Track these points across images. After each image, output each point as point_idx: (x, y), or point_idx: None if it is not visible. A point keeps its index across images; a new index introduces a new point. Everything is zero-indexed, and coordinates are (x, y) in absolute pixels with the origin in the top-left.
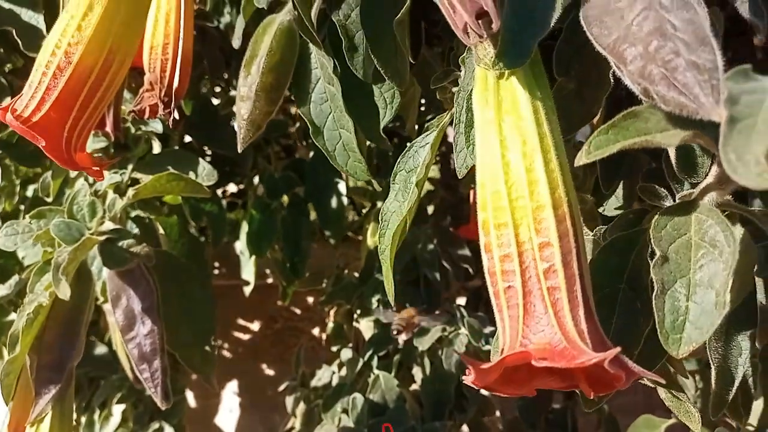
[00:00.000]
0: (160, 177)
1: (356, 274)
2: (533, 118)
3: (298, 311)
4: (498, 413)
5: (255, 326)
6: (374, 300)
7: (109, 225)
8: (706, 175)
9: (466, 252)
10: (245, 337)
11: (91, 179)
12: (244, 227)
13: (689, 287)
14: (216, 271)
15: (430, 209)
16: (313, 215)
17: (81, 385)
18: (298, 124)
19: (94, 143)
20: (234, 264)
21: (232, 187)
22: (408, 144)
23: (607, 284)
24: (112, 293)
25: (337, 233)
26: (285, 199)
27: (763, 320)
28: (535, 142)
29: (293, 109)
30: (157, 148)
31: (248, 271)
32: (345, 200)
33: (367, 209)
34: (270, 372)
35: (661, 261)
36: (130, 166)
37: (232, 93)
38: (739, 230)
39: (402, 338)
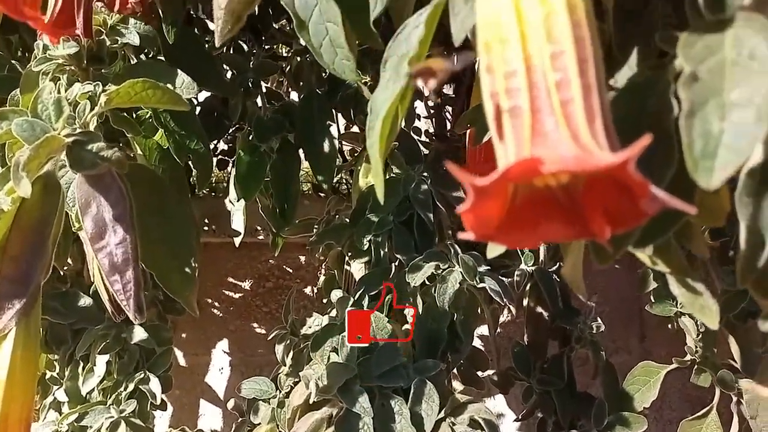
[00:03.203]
0: (135, 83)
1: (347, 220)
2: None
3: (290, 270)
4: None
5: (246, 285)
6: (365, 241)
7: (78, 130)
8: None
9: (461, 194)
10: (236, 295)
11: (63, 89)
12: (233, 172)
13: (723, 108)
14: (205, 228)
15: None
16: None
17: (65, 337)
18: (288, 67)
19: (65, 49)
20: (225, 221)
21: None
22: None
23: (621, 132)
24: (80, 200)
25: (329, 177)
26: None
27: None
28: None
29: (284, 50)
30: None
31: (238, 221)
32: (337, 143)
33: (359, 152)
34: (261, 330)
35: (690, 80)
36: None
37: None
38: None
39: (426, 86)
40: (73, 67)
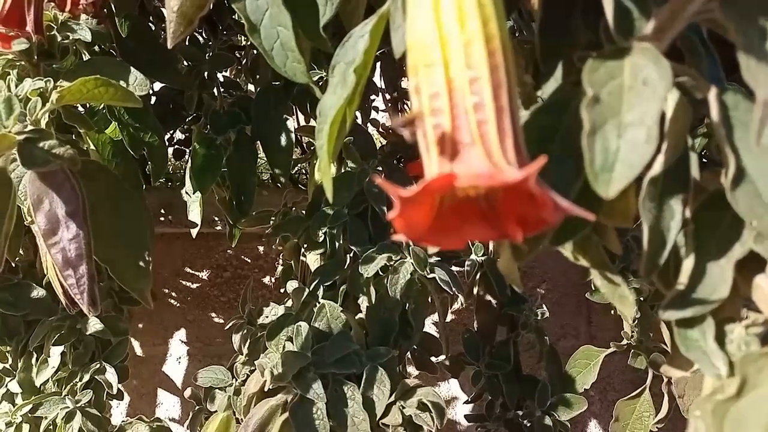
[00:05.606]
0: (87, 81)
1: (303, 212)
2: None
3: (248, 260)
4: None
5: (204, 275)
6: (321, 233)
7: (29, 127)
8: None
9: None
10: (193, 285)
11: (13, 85)
12: (189, 164)
13: (620, 127)
14: (162, 219)
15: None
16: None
17: (17, 329)
18: (245, 61)
19: (15, 45)
20: (181, 212)
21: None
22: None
23: (539, 144)
24: (33, 197)
25: (285, 171)
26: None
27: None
28: None
29: (242, 39)
30: None
31: (194, 212)
32: (293, 137)
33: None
34: (219, 320)
35: (593, 102)
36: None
37: None
38: (675, 92)
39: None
40: (23, 62)
